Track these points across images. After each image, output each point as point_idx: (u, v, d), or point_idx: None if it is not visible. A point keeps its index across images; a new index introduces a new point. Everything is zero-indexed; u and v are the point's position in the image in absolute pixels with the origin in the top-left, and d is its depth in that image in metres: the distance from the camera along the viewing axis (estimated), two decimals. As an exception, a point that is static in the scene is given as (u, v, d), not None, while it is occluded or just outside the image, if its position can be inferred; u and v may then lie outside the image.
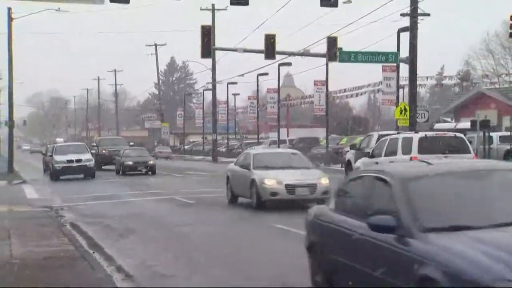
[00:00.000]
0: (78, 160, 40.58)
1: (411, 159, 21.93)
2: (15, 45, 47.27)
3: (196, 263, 12.92)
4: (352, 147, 36.51)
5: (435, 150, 22.36)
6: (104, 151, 51.56)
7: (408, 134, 25.41)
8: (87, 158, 41.31)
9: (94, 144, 57.36)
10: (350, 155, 34.29)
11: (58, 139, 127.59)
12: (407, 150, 22.58)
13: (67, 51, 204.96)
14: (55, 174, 40.62)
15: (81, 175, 40.64)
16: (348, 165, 32.59)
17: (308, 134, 69.62)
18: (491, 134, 38.26)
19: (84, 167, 40.68)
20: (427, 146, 22.46)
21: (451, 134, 24.40)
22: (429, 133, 24.25)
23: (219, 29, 56.62)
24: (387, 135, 31.47)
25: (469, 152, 22.76)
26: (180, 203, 24.55)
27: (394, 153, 23.20)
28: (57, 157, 41.02)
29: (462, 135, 23.74)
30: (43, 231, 17.02)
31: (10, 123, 49.64)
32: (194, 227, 18.29)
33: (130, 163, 44.47)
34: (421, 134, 23.79)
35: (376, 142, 30.42)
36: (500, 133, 41.54)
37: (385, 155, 23.68)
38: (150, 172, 44.34)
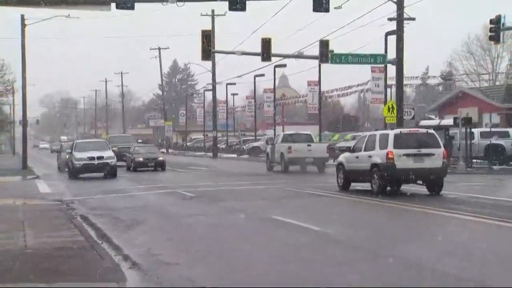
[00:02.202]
0: (100, 158, 36.33)
1: (387, 153, 22.38)
2: (28, 50, 47.29)
3: (197, 252, 12.91)
4: (267, 142, 48.71)
5: (409, 145, 22.67)
6: (114, 148, 51.09)
7: (384, 131, 25.73)
8: (108, 155, 36.86)
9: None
10: (268, 149, 42.80)
11: (62, 137, 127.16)
12: (384, 145, 22.78)
13: (76, 55, 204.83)
14: (75, 172, 36.45)
15: (102, 174, 36.56)
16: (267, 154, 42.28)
17: (302, 131, 69.56)
18: (473, 130, 38.36)
19: (106, 165, 36.20)
20: (402, 142, 22.69)
21: (424, 130, 24.61)
22: (404, 130, 24.47)
23: (218, 33, 56.57)
24: (295, 134, 42.09)
25: (439, 147, 22.95)
26: (182, 197, 24.52)
27: (372, 148, 23.39)
28: (77, 154, 36.61)
29: (433, 132, 23.93)
30: (54, 223, 17.00)
31: (24, 123, 49.71)
32: (195, 218, 18.30)
33: (141, 159, 42.65)
34: (396, 130, 24.02)
35: (282, 139, 40.23)
36: (480, 129, 41.68)
37: (365, 150, 23.86)
38: (159, 168, 42.26)
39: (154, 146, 51.96)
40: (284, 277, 10.44)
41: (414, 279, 10.11)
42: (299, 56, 41.99)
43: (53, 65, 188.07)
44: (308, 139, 40.42)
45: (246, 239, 14.46)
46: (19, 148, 61.49)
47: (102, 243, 13.83)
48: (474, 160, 37.56)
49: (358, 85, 71.75)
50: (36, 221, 17.39)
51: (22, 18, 47.06)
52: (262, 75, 64.50)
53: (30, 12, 46.11)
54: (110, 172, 36.29)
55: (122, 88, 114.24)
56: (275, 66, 57.73)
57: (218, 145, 71.08)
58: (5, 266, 11.05)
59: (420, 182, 23.13)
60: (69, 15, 43.77)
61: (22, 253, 12.33)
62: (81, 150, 37.39)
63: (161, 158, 43.32)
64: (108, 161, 36.40)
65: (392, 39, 38.06)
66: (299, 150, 38.29)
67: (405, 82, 45.18)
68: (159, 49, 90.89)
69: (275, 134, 63.79)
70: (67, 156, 42.81)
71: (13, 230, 15.61)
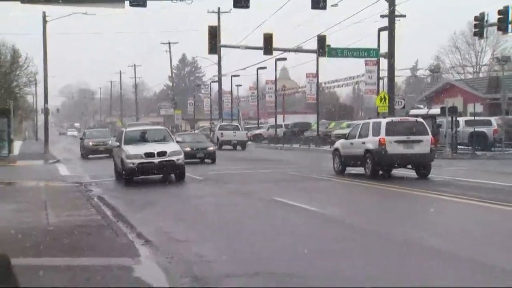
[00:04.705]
0: (161, 154, 23.04)
1: (379, 140, 22.38)
2: (48, 44, 47.25)
3: (205, 230, 12.97)
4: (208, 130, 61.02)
5: (399, 132, 22.66)
6: None
7: (377, 119, 25.69)
8: (173, 150, 23.47)
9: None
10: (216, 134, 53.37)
11: (75, 124, 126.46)
12: (376, 132, 22.79)
13: (94, 49, 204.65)
14: (128, 174, 23.03)
15: (163, 175, 23.87)
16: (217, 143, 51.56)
17: (301, 120, 69.65)
18: (458, 118, 38.31)
19: (171, 164, 23.07)
20: (393, 129, 22.70)
21: (413, 119, 24.62)
22: (395, 118, 24.47)
23: (224, 28, 56.55)
24: (226, 124, 56.31)
25: (428, 134, 22.99)
26: (191, 179, 24.55)
27: (366, 135, 23.41)
28: (130, 149, 23.32)
29: (422, 120, 23.94)
30: (74, 203, 17.09)
31: (46, 111, 49.86)
32: (203, 199, 18.35)
33: (188, 149, 31.66)
34: (388, 119, 24.02)
35: (218, 128, 53.97)
36: (465, 118, 41.64)
37: (359, 136, 23.88)
38: (209, 160, 33.58)
39: (201, 134, 43.20)
40: (287, 253, 10.50)
41: (402, 253, 10.15)
42: (299, 50, 41.94)
43: (72, 57, 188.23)
44: (235, 128, 53.49)
45: (250, 219, 14.52)
46: (42, 134, 61.62)
47: (117, 221, 13.89)
48: (459, 147, 37.56)
49: (353, 77, 71.58)
50: (57, 201, 17.49)
51: (44, 15, 47.07)
52: (264, 67, 64.43)
53: (51, 9, 46.08)
54: (176, 173, 23.68)
55: (136, 80, 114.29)
56: (276, 60, 57.63)
57: (223, 132, 71.02)
58: (30, 241, 11.14)
59: (409, 166, 23.20)
60: (86, 12, 43.75)
61: (45, 230, 12.42)
62: (134, 142, 24.22)
63: (211, 149, 34.22)
64: (173, 158, 23.18)
65: (385, 34, 37.97)
66: (227, 135, 52.04)
67: (396, 74, 45.14)
68: (169, 43, 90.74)
69: (276, 122, 64.27)
70: (93, 146, 41.73)
71: (37, 209, 15.71)
